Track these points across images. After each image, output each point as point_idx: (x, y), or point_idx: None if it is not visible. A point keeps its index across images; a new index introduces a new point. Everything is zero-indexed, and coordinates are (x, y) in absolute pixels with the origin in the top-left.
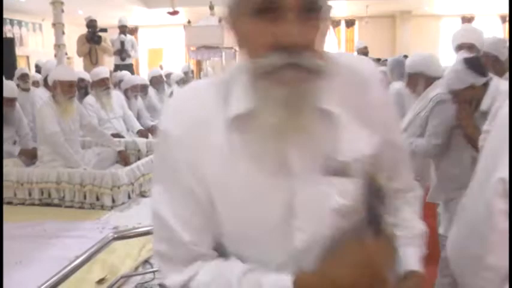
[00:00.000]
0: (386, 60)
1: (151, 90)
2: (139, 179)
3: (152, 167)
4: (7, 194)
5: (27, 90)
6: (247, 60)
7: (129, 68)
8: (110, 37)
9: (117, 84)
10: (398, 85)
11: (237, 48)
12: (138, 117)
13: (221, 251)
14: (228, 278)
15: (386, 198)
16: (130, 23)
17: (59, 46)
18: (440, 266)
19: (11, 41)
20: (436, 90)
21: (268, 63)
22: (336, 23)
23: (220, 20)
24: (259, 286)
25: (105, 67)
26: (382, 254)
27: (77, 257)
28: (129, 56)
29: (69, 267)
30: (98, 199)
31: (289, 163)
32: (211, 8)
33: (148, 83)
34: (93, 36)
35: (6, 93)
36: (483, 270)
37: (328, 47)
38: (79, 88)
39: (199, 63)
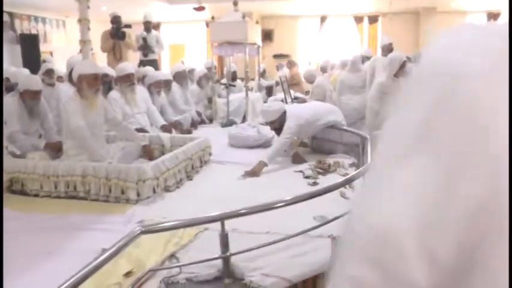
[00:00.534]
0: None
1: (174, 86)
2: (164, 174)
3: (177, 162)
4: (34, 186)
5: (52, 85)
6: None
7: (154, 63)
8: (135, 33)
9: (141, 79)
10: None
11: (260, 44)
12: (162, 113)
13: None
14: None
15: None
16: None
17: (84, 42)
18: None
19: (35, 37)
20: None
21: None
22: (358, 19)
23: (244, 16)
24: None
25: (130, 63)
26: None
27: (106, 250)
28: (152, 51)
29: (98, 260)
30: (123, 193)
31: None
32: (235, 3)
33: (171, 78)
34: (117, 32)
35: (31, 86)
36: None
37: (351, 43)
38: (103, 83)
39: (221, 59)
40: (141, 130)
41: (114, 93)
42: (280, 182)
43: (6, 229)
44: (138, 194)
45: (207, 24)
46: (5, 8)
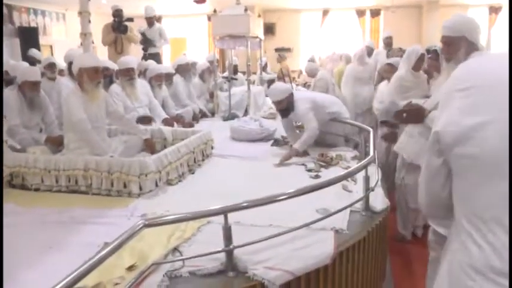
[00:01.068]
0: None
1: (177, 78)
2: (167, 167)
3: (179, 156)
4: (34, 180)
5: (53, 79)
6: None
7: (156, 57)
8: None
9: (143, 72)
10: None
11: (262, 37)
12: (163, 106)
13: None
14: None
15: None
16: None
17: (85, 35)
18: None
19: (35, 30)
20: None
21: None
22: (361, 13)
23: (246, 9)
24: None
25: (133, 57)
26: None
27: (109, 244)
28: (153, 45)
29: (102, 253)
30: (125, 187)
31: None
32: None
33: (173, 71)
34: (119, 25)
35: (29, 77)
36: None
37: (353, 37)
38: (104, 77)
39: (223, 53)
40: (145, 118)
41: (115, 87)
42: (283, 175)
43: (7, 224)
44: (141, 188)
45: (209, 18)
46: (3, 1)
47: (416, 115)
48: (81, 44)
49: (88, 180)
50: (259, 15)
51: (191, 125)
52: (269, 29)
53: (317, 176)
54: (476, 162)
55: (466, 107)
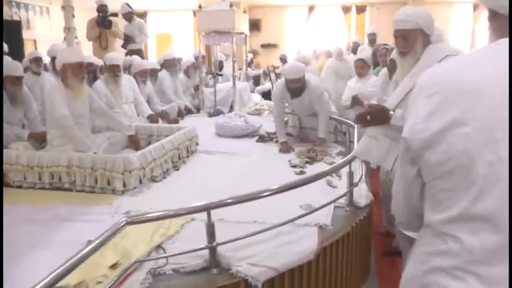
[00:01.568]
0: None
1: (163, 74)
2: (151, 164)
3: (163, 152)
4: (17, 177)
5: (38, 74)
6: None
7: (139, 53)
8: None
9: (127, 68)
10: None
11: (248, 33)
12: (148, 102)
13: None
14: None
15: None
16: (139, 8)
17: (68, 29)
18: None
19: (18, 23)
20: None
21: None
22: (346, 9)
23: (231, 5)
24: None
25: (120, 54)
26: None
27: (91, 242)
28: (133, 41)
29: (84, 251)
30: (109, 183)
31: None
32: None
33: (158, 67)
34: (103, 20)
35: (12, 72)
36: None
37: (338, 33)
38: (88, 72)
39: (209, 49)
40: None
41: (100, 83)
42: (268, 171)
43: None
44: (125, 185)
45: (195, 13)
46: None
47: (380, 116)
48: (65, 39)
49: (72, 177)
50: (244, 11)
51: (176, 121)
52: (254, 25)
53: (302, 172)
54: (447, 165)
55: (431, 111)
